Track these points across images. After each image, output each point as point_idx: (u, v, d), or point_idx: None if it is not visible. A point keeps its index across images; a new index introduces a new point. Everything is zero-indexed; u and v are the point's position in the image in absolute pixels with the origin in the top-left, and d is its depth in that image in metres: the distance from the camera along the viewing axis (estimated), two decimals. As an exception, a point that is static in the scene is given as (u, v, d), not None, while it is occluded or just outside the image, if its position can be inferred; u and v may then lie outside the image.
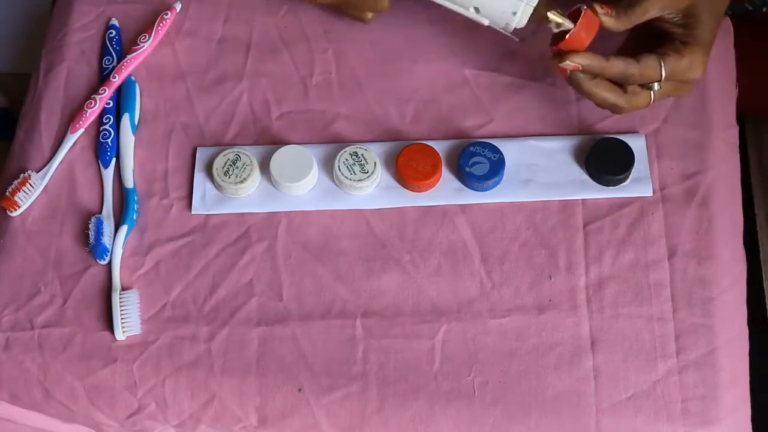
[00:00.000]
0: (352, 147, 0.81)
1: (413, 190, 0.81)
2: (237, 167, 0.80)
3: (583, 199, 0.80)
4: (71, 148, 0.84)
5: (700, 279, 0.77)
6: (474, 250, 0.79)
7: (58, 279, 0.80)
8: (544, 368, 0.75)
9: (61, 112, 0.86)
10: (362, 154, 0.81)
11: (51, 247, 0.81)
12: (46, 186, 0.83)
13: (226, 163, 0.81)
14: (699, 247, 0.78)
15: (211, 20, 0.89)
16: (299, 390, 0.76)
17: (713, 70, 0.84)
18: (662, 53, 0.74)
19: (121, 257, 0.80)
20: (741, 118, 0.86)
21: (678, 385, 0.74)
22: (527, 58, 0.85)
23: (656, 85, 0.75)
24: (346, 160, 0.80)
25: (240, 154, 0.81)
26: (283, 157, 0.81)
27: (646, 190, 0.80)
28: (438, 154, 0.80)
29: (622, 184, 0.80)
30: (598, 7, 0.72)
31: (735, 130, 0.83)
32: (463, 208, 0.80)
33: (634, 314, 0.76)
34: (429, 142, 0.82)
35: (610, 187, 0.80)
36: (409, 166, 0.80)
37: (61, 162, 0.83)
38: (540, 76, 0.85)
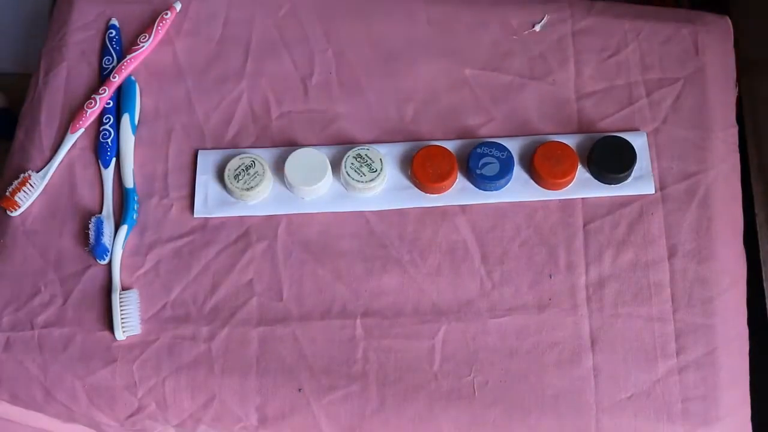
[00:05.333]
0: (355, 149, 0.81)
1: (428, 192, 0.81)
2: (249, 174, 0.80)
3: (583, 199, 0.80)
4: (71, 148, 0.84)
5: (700, 279, 0.77)
6: (474, 249, 0.79)
7: (58, 279, 0.79)
8: (545, 367, 0.75)
9: (61, 112, 0.85)
10: (366, 155, 0.80)
11: (51, 247, 0.81)
12: (46, 186, 0.83)
13: (239, 167, 0.80)
14: (699, 247, 0.78)
15: (211, 20, 0.89)
16: (299, 390, 0.76)
17: (713, 70, 0.84)
18: None
19: (121, 257, 0.80)
20: (740, 118, 0.86)
21: (678, 385, 0.74)
22: (528, 56, 0.86)
23: None
24: (352, 163, 0.80)
25: (255, 161, 0.80)
26: (297, 160, 0.80)
27: (648, 188, 0.80)
28: (453, 156, 0.80)
29: (624, 182, 0.80)
30: None
31: (735, 130, 0.83)
32: (464, 208, 0.80)
33: (634, 314, 0.76)
34: (435, 143, 0.82)
35: (613, 185, 0.81)
36: (425, 168, 0.80)
37: (61, 162, 0.83)
38: (540, 75, 0.85)
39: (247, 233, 0.80)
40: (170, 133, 0.85)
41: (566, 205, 0.80)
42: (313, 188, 0.80)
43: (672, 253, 0.78)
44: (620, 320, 0.76)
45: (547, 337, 0.76)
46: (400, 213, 0.81)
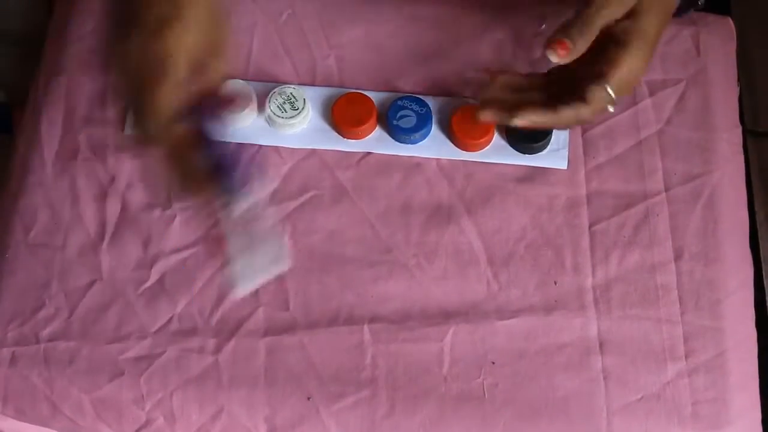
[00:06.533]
0: (281, 87, 0.82)
1: (346, 137, 0.83)
2: None
3: (588, 199, 0.80)
4: (73, 159, 0.83)
5: (707, 281, 0.77)
6: (480, 251, 0.79)
7: (63, 292, 0.79)
8: (554, 369, 0.75)
9: (62, 123, 0.84)
10: (291, 93, 0.82)
11: (55, 259, 0.80)
12: (49, 198, 0.81)
13: None
14: (705, 249, 0.78)
15: (211, 28, 0.88)
16: (308, 398, 0.75)
17: (715, 71, 0.84)
18: (602, 74, 0.71)
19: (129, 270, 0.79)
20: (741, 117, 0.86)
21: (688, 388, 0.74)
22: (530, 60, 0.85)
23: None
24: (276, 99, 0.82)
25: None
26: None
27: (561, 163, 0.81)
28: (373, 104, 0.82)
29: (539, 153, 0.81)
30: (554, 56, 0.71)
31: (739, 131, 0.83)
32: (468, 210, 0.80)
33: (642, 316, 0.76)
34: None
35: (527, 155, 0.82)
36: (344, 112, 0.82)
37: (63, 172, 0.82)
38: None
39: (251, 242, 0.80)
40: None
41: (571, 205, 0.80)
42: (236, 118, 0.81)
43: (678, 255, 0.78)
44: (628, 322, 0.76)
45: (556, 339, 0.76)
46: (405, 217, 0.80)
